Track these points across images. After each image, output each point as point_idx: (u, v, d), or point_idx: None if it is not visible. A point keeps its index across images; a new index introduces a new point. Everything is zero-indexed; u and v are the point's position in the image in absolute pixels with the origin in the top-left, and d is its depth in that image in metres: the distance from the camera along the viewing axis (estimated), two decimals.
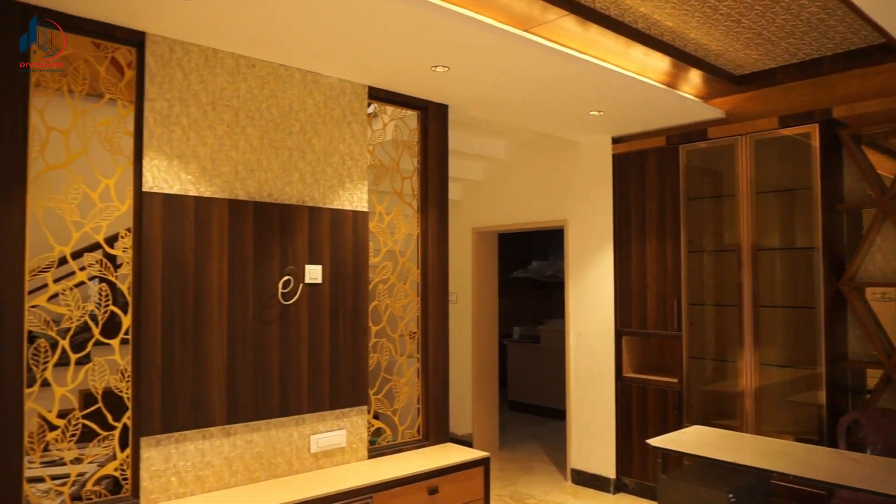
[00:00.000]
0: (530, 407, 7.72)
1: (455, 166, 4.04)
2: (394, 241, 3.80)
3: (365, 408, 3.54)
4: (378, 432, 3.71)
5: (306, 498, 2.95)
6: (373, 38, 2.95)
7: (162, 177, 2.88)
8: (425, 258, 3.88)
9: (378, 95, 3.66)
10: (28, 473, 2.62)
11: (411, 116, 3.94)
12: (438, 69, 3.34)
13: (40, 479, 2.72)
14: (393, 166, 3.83)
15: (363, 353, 3.53)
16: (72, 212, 2.73)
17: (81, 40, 2.77)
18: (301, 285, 3.27)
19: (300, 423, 3.28)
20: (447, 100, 3.91)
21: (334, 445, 3.41)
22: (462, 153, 5.38)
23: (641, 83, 3.73)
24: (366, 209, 3.56)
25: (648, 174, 4.65)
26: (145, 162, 2.84)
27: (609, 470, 4.78)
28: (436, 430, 3.88)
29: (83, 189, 2.77)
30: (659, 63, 3.66)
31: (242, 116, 3.12)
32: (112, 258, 2.95)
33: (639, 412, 4.64)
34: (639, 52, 3.49)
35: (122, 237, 2.86)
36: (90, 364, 2.78)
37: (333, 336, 3.41)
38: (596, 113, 4.22)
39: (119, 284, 2.86)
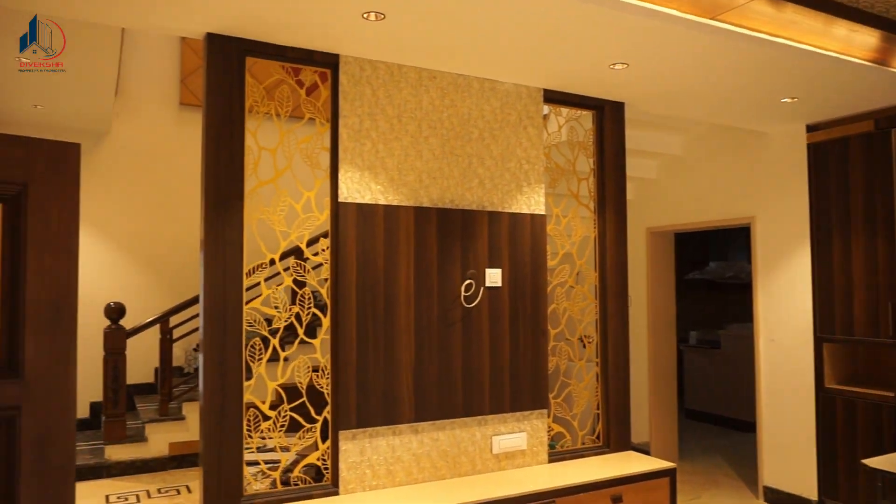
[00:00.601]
0: (710, 416, 7.27)
1: (627, 165, 3.93)
2: (571, 243, 3.76)
3: (545, 411, 3.54)
4: (558, 436, 3.69)
5: (492, 498, 3.01)
6: (550, 41, 2.95)
7: (355, 187, 3.08)
8: (603, 260, 3.80)
9: (553, 98, 3.65)
10: (246, 457, 2.93)
11: (586, 117, 3.88)
12: (617, 66, 3.26)
13: (255, 463, 3.03)
14: (569, 168, 3.80)
15: (542, 356, 3.54)
16: (279, 222, 3.02)
17: (276, 66, 3.05)
18: (482, 288, 3.34)
19: (482, 423, 3.36)
20: (623, 97, 3.80)
21: (515, 447, 3.44)
22: (635, 151, 5.20)
23: (845, 63, 3.37)
24: (543, 212, 3.57)
25: (852, 163, 4.19)
26: (340, 174, 3.06)
27: (809, 490, 4.37)
28: (616, 436, 3.78)
29: (288, 201, 3.04)
30: (866, 39, 3.28)
31: (425, 127, 3.25)
32: (316, 267, 3.21)
33: (846, 428, 4.19)
34: (842, 30, 3.16)
35: (322, 247, 3.10)
36: (296, 361, 3.05)
37: (513, 339, 3.44)
38: (788, 100, 3.88)
39: (319, 288, 3.10)
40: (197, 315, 6.02)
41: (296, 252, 3.28)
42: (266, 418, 2.96)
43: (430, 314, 3.22)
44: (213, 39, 2.85)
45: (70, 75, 4.88)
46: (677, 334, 6.08)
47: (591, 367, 3.84)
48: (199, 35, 2.90)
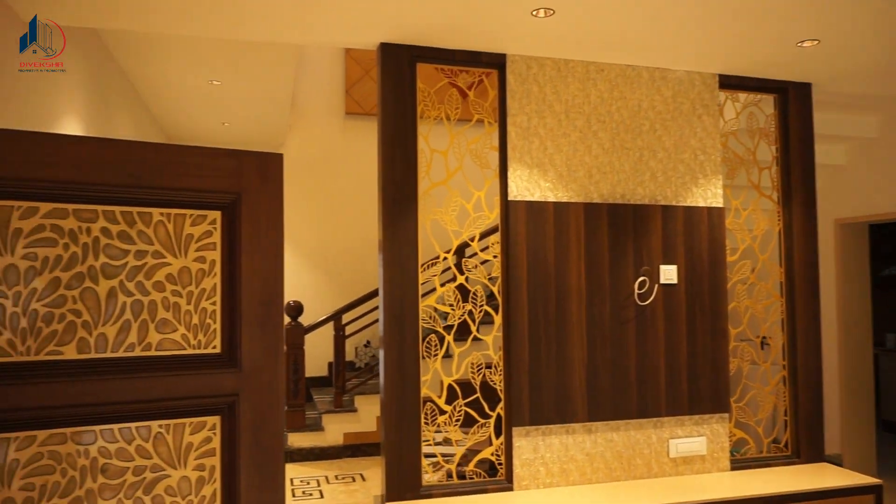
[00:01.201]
0: None
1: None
2: (752, 237, 3.51)
3: (726, 415, 3.33)
4: (740, 443, 3.46)
5: (672, 503, 2.89)
6: (728, 21, 2.77)
7: (524, 185, 3.09)
8: (790, 255, 3.51)
9: (729, 83, 3.43)
10: (423, 450, 3.03)
11: (766, 101, 3.60)
12: (805, 44, 2.99)
13: (432, 455, 3.13)
14: (748, 157, 3.54)
15: (722, 357, 3.33)
16: (451, 222, 3.10)
17: (441, 71, 3.13)
18: (656, 286, 3.21)
19: (658, 425, 3.23)
20: (810, 77, 3.48)
21: (694, 452, 3.27)
22: (819, 135, 4.74)
23: None
24: (721, 205, 3.36)
25: None
26: (509, 173, 3.08)
27: None
28: (808, 446, 3.47)
29: (460, 201, 3.11)
30: None
31: (594, 121, 3.19)
32: (484, 262, 3.26)
33: None
34: None
35: (492, 247, 3.15)
36: (469, 357, 3.11)
37: (690, 338, 3.28)
38: None
39: (490, 286, 3.14)
40: (366, 313, 6.38)
41: (467, 250, 3.34)
42: (442, 412, 3.06)
43: (602, 312, 3.15)
44: (386, 49, 2.99)
45: (254, 92, 5.36)
46: (872, 337, 5.48)
47: (777, 370, 3.55)
48: (372, 46, 3.05)
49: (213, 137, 6.62)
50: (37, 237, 1.81)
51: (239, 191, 1.99)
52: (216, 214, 1.96)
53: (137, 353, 1.83)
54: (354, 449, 6.20)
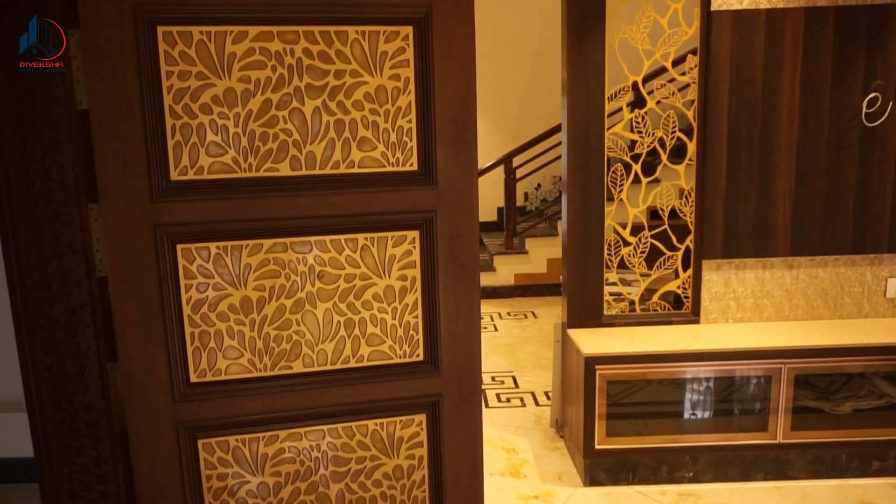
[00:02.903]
0: None
1: None
2: None
3: None
4: None
5: (885, 343, 2.66)
6: None
7: None
8: None
9: None
10: (606, 280, 3.01)
11: None
12: None
13: (614, 283, 3.10)
14: None
15: None
16: (643, 40, 2.82)
17: None
18: (890, 103, 2.77)
19: (876, 263, 2.92)
20: None
21: None
22: None
23: None
24: None
25: None
26: None
27: None
28: None
29: (653, 16, 2.81)
30: None
31: None
32: (680, 85, 2.98)
33: None
34: None
35: (689, 63, 2.84)
36: (658, 187, 2.95)
37: None
38: None
39: (684, 110, 2.89)
40: (537, 156, 6.28)
41: (660, 72, 3.07)
42: (626, 244, 2.97)
43: (817, 136, 2.79)
44: None
45: None
46: None
47: None
48: None
49: None
50: (248, 60, 1.88)
51: (430, 4, 1.91)
52: (408, 30, 1.91)
53: (342, 170, 1.90)
54: (524, 289, 6.38)
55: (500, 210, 7.32)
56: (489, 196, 7.27)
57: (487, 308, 6.00)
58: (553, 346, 3.22)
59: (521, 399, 3.84)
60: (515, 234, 6.39)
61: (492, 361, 4.50)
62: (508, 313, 5.83)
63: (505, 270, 6.37)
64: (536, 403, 3.77)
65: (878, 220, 2.85)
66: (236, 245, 1.85)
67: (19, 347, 1.89)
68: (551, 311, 5.70)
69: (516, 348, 4.81)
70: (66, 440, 1.94)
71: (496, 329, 5.36)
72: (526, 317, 5.71)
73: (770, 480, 2.79)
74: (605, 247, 2.93)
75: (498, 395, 3.90)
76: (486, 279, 6.37)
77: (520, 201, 7.26)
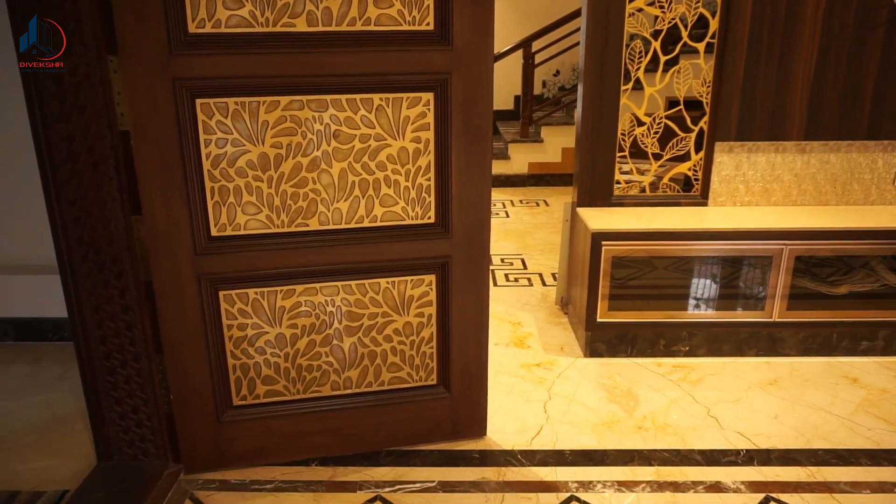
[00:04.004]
0: None
1: None
2: None
3: None
4: None
5: (886, 227, 2.70)
6: None
7: None
8: None
9: None
10: (618, 160, 3.02)
11: None
12: None
13: (624, 161, 3.12)
14: None
15: None
16: None
17: None
18: None
19: (889, 149, 2.91)
20: None
21: None
22: None
23: None
24: None
25: None
26: None
27: None
28: None
29: None
30: None
31: None
32: None
33: None
34: None
35: None
36: (676, 67, 2.90)
37: None
38: None
39: None
40: (557, 40, 6.09)
41: None
42: (640, 123, 2.97)
43: (844, 16, 2.71)
44: None
45: None
46: None
47: None
48: None
49: None
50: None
51: None
52: None
53: (358, 27, 1.90)
54: (538, 178, 6.39)
55: (516, 98, 7.20)
56: (506, 83, 7.12)
57: (500, 196, 6.04)
58: (561, 226, 3.29)
59: (529, 279, 3.96)
60: (531, 123, 6.32)
61: (501, 245, 4.60)
62: (521, 201, 5.88)
63: (519, 159, 6.36)
64: (543, 284, 3.89)
65: None
66: (254, 101, 1.89)
67: (47, 201, 1.98)
68: (563, 200, 5.73)
69: (526, 234, 4.90)
70: (95, 289, 2.06)
71: (507, 216, 5.44)
72: (538, 205, 5.76)
73: (762, 356, 2.92)
74: (619, 126, 2.92)
75: (506, 276, 4.02)
76: (499, 167, 6.37)
77: (537, 90, 7.12)
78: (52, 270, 3.03)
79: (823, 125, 2.85)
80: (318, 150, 1.95)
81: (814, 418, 2.50)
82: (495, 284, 3.88)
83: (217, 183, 1.93)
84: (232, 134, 1.89)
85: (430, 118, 1.99)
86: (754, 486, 2.13)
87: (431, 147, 2.02)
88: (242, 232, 2.00)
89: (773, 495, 2.09)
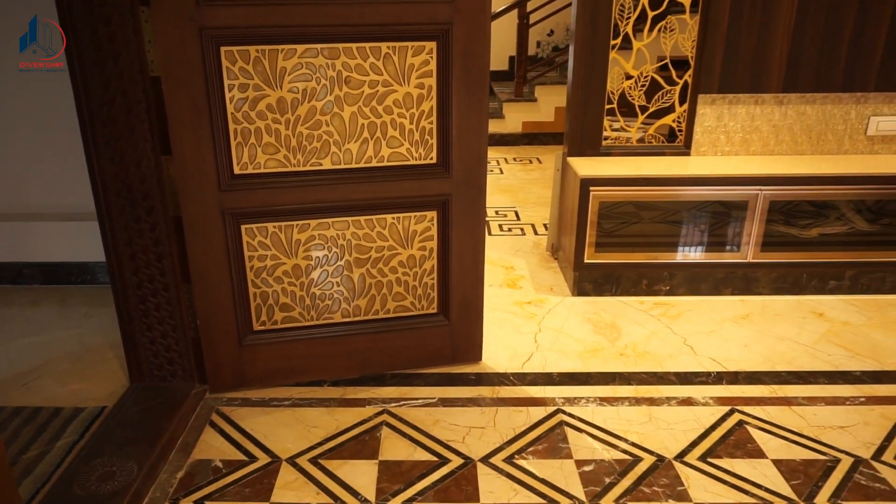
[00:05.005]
0: None
1: None
2: None
3: None
4: None
5: (858, 173, 2.92)
6: None
7: None
8: None
9: None
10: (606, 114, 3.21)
11: None
12: None
13: (612, 115, 3.31)
14: None
15: None
16: None
17: None
18: None
19: (861, 101, 3.10)
20: None
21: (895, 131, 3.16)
22: None
23: None
24: None
25: None
26: None
27: None
28: None
29: None
30: None
31: None
32: None
33: None
34: None
35: None
36: (663, 22, 3.07)
37: None
38: None
39: None
40: (551, 1, 6.20)
41: None
42: (629, 77, 3.15)
43: None
44: None
45: None
46: None
47: None
48: None
49: None
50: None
51: None
52: None
53: None
54: (531, 137, 6.55)
55: (511, 59, 7.32)
56: (501, 44, 7.24)
57: (494, 154, 6.21)
58: (553, 177, 3.49)
59: (522, 229, 4.17)
60: (525, 82, 6.46)
61: (496, 199, 4.80)
62: (514, 159, 6.06)
63: (513, 118, 6.51)
64: (535, 233, 4.10)
65: (870, 58, 3.00)
66: (273, 49, 2.07)
67: (84, 142, 2.17)
68: (555, 155, 5.93)
69: (520, 189, 5.10)
70: (128, 224, 2.27)
71: (502, 172, 5.62)
72: (531, 162, 5.95)
73: (737, 295, 3.16)
74: (608, 80, 3.10)
75: (500, 226, 4.23)
76: (494, 126, 6.53)
77: (532, 50, 7.23)
78: (78, 217, 3.23)
79: (802, 77, 3.04)
80: (330, 94, 2.14)
81: (780, 347, 2.75)
82: (490, 234, 4.10)
83: (240, 125, 2.12)
84: (253, 79, 2.08)
85: (433, 65, 2.18)
86: (721, 401, 2.38)
87: (434, 93, 2.21)
88: (262, 170, 2.20)
89: (738, 408, 2.34)
